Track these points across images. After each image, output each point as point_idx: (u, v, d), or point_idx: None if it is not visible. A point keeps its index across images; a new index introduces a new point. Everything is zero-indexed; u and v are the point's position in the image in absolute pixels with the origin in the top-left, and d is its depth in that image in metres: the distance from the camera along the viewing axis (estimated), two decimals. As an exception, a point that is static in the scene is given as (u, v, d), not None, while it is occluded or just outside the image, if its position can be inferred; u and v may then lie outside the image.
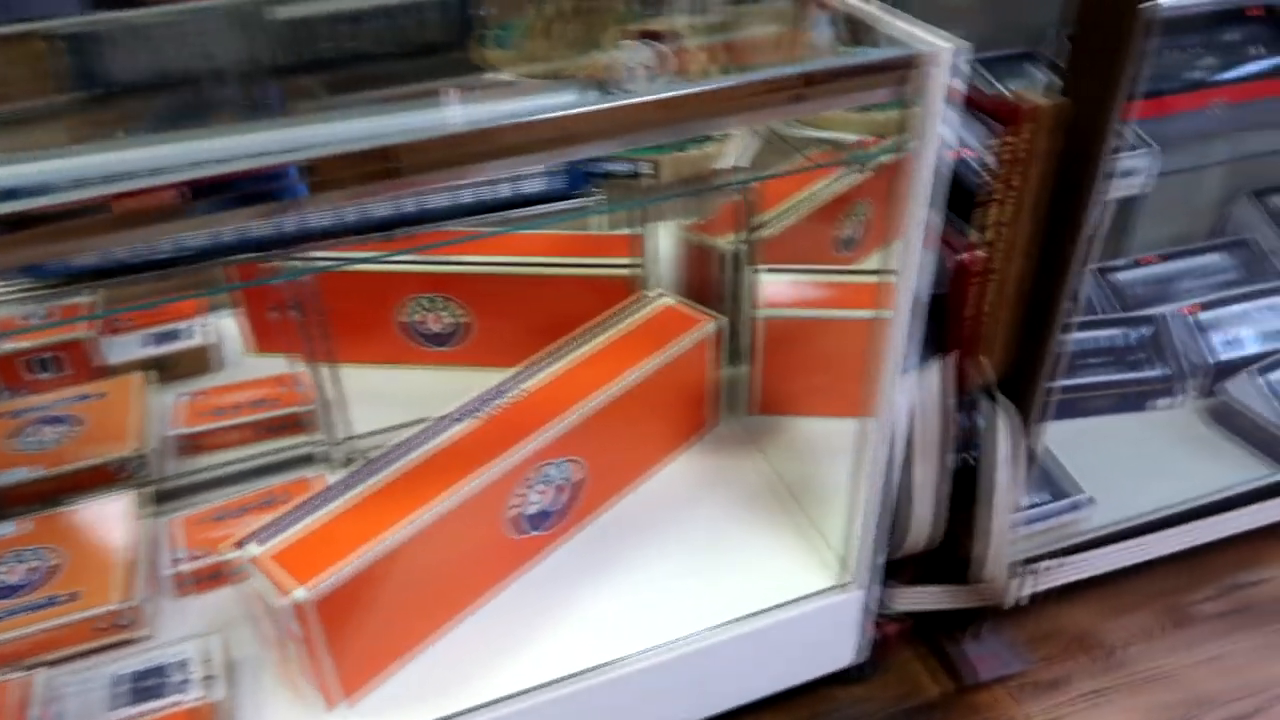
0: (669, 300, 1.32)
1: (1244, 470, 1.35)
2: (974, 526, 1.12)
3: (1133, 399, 1.44)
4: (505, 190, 0.95)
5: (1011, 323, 1.04)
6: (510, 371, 1.19)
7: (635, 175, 0.95)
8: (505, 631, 1.09)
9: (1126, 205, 1.61)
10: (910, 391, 1.05)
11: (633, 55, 0.98)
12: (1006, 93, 0.94)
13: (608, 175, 0.96)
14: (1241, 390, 1.37)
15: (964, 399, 1.06)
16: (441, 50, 1.26)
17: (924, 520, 1.12)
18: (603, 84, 0.95)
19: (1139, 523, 1.27)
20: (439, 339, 1.46)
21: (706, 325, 1.27)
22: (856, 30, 0.85)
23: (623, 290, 1.36)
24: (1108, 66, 0.86)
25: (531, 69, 1.15)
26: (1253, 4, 1.32)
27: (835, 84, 0.78)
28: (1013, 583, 1.22)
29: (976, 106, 0.93)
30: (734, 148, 1.06)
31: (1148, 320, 1.48)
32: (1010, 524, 1.14)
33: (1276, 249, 1.60)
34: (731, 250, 1.32)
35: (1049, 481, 1.26)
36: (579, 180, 0.95)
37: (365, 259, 1.36)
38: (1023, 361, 1.07)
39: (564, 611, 1.12)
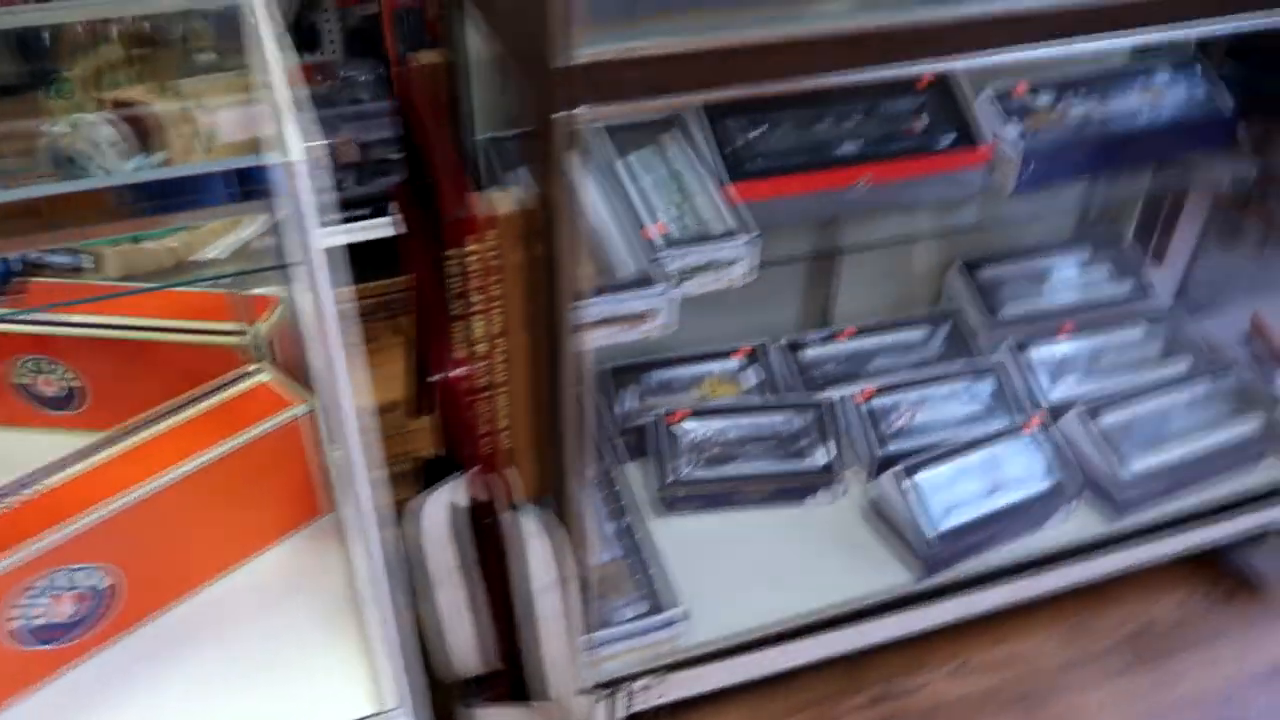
0: (266, 376, 1.20)
1: (886, 574, 1.26)
2: (522, 650, 1.02)
3: (792, 491, 1.34)
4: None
5: (537, 436, 0.93)
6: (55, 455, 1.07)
7: (77, 269, 0.83)
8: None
9: (824, 273, 1.52)
10: (420, 516, 0.94)
11: (91, 131, 0.86)
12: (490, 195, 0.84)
13: (40, 267, 0.83)
14: (888, 489, 1.28)
15: (488, 519, 0.96)
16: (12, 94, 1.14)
17: (465, 644, 1.01)
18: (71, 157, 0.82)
19: (749, 638, 1.18)
20: (56, 402, 1.33)
21: (296, 408, 1.15)
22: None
23: (226, 361, 1.23)
24: (547, 171, 0.76)
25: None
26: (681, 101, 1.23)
27: (172, 199, 0.67)
28: (597, 705, 1.11)
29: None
30: (225, 235, 0.94)
31: (814, 405, 1.38)
32: (573, 644, 1.04)
33: (981, 325, 1.52)
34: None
35: (650, 593, 1.16)
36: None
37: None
38: (558, 476, 0.96)
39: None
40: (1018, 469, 1.33)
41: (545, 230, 0.80)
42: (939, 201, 1.36)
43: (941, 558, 1.24)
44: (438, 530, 0.92)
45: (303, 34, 2.11)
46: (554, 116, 0.73)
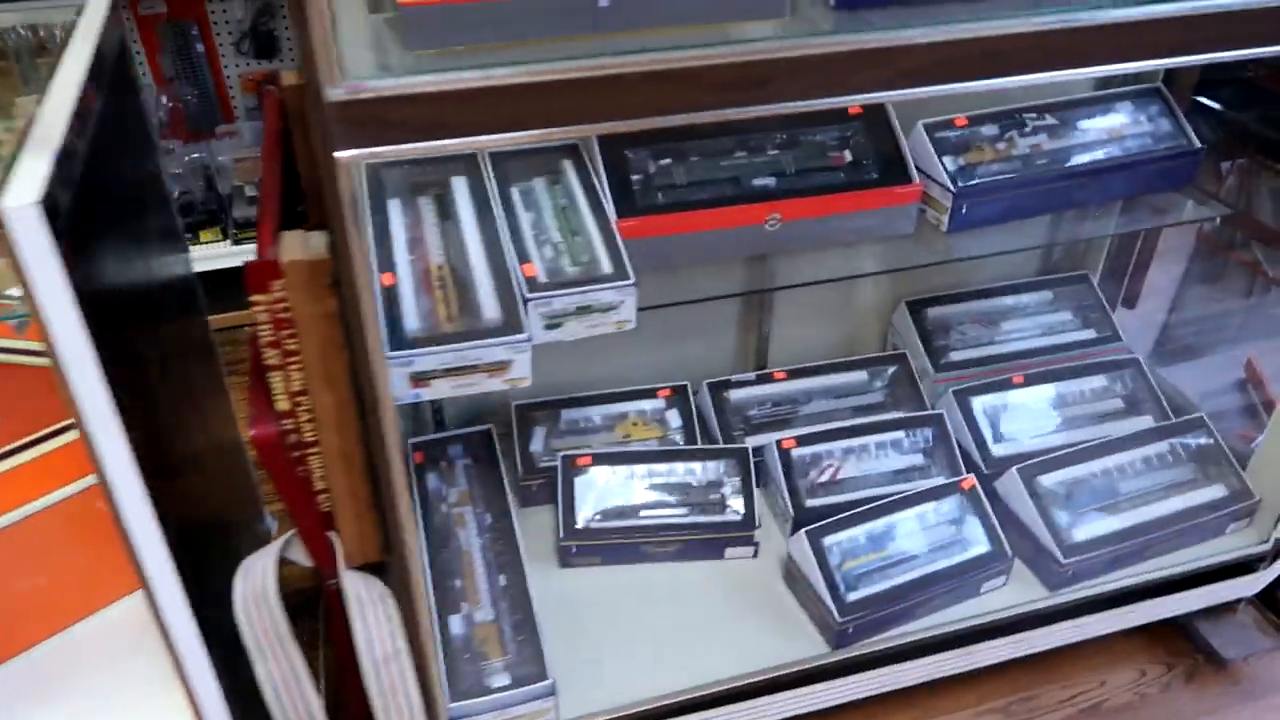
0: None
1: (799, 643, 1.16)
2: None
3: (707, 545, 1.25)
4: None
5: (355, 499, 0.85)
6: None
7: None
8: None
9: (757, 311, 1.42)
10: (243, 579, 0.86)
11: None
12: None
13: None
14: (796, 551, 1.18)
15: (330, 583, 0.88)
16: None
17: (305, 713, 0.93)
18: None
19: (631, 712, 1.09)
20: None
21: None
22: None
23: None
24: (336, 214, 0.68)
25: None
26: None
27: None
28: (457, 779, 1.03)
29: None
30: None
31: (733, 453, 1.29)
32: (426, 716, 0.96)
33: (923, 369, 1.41)
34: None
35: (521, 660, 1.07)
36: None
37: None
38: (387, 540, 0.88)
39: None
40: (947, 533, 1.22)
41: (338, 280, 0.72)
42: (868, 239, 1.26)
43: (849, 630, 1.14)
44: (256, 595, 0.85)
45: (260, 40, 2.07)
46: (335, 155, 0.65)
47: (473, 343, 0.91)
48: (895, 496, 1.23)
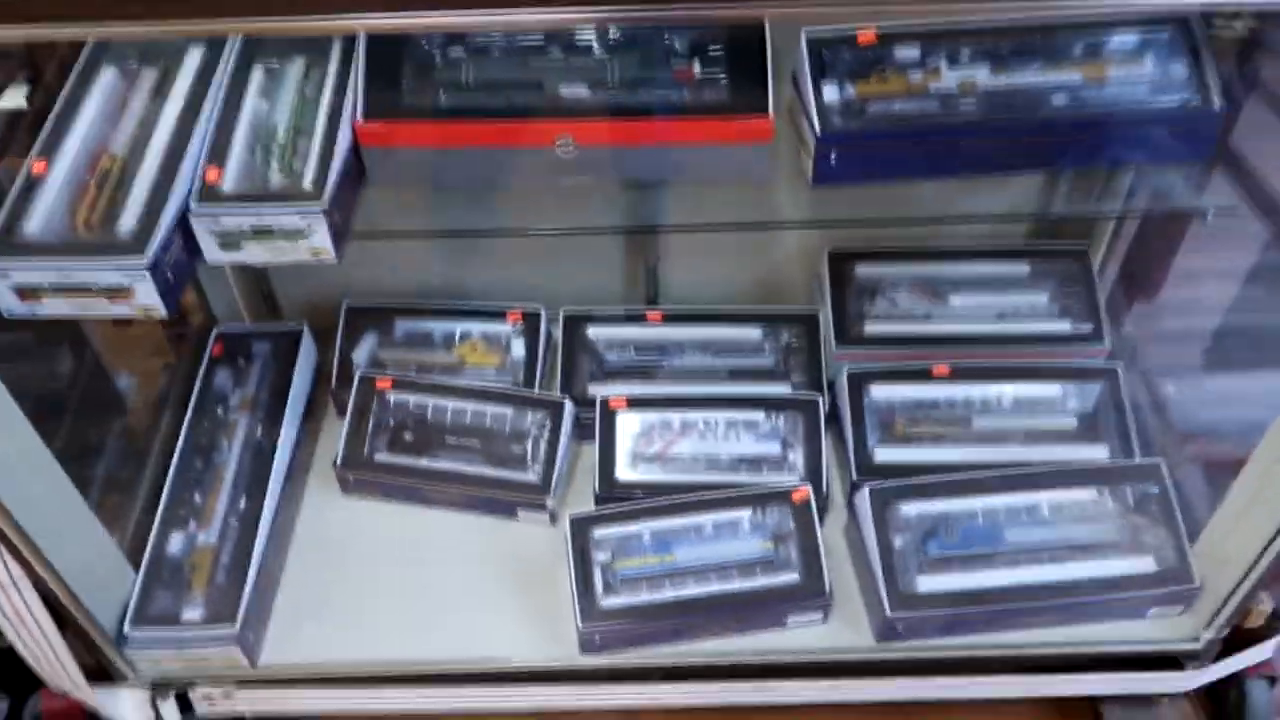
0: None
1: (548, 641, 1.01)
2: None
3: (496, 505, 1.10)
4: None
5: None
6: None
7: None
8: None
9: (642, 244, 1.19)
10: None
11: None
12: None
13: None
14: (570, 539, 1.00)
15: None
16: None
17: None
18: None
19: (339, 673, 0.98)
20: None
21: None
22: None
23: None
24: None
25: None
26: None
27: None
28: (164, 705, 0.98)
29: None
30: None
31: (548, 405, 1.10)
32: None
33: (831, 340, 1.15)
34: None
35: (227, 596, 0.98)
36: None
37: None
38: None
39: None
40: (759, 549, 1.01)
41: None
42: (706, 181, 1.00)
43: (594, 639, 0.97)
44: None
45: None
46: None
47: (78, 260, 0.77)
48: (709, 495, 1.03)
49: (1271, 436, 0.88)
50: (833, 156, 0.90)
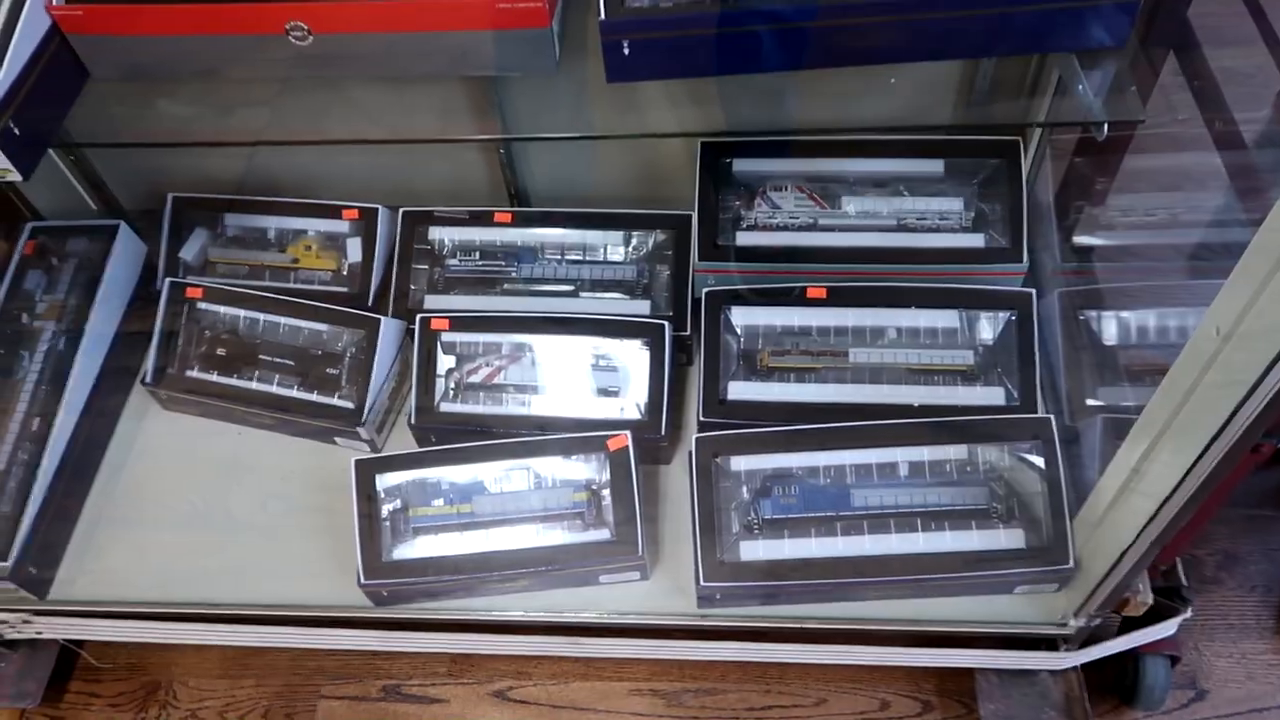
0: None
1: (336, 580, 0.93)
2: None
3: (315, 430, 1.00)
4: None
5: None
6: None
7: None
8: None
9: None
10: None
11: None
12: None
13: None
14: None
15: None
16: None
17: None
18: None
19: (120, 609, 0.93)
20: None
21: None
22: None
23: None
24: None
25: None
26: None
27: None
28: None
29: None
30: None
31: (365, 322, 0.98)
32: None
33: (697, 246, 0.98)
34: None
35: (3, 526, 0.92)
36: None
37: None
38: None
39: None
40: (569, 500, 0.89)
41: None
42: (483, 73, 0.82)
43: (384, 595, 0.88)
44: None
45: None
46: None
47: None
48: (526, 436, 0.91)
49: (1163, 392, 0.70)
50: (626, 49, 0.72)
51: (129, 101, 0.93)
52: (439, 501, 0.89)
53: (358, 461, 0.89)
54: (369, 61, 0.76)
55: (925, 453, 0.87)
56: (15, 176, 0.72)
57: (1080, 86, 0.78)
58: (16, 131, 0.71)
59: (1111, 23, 0.72)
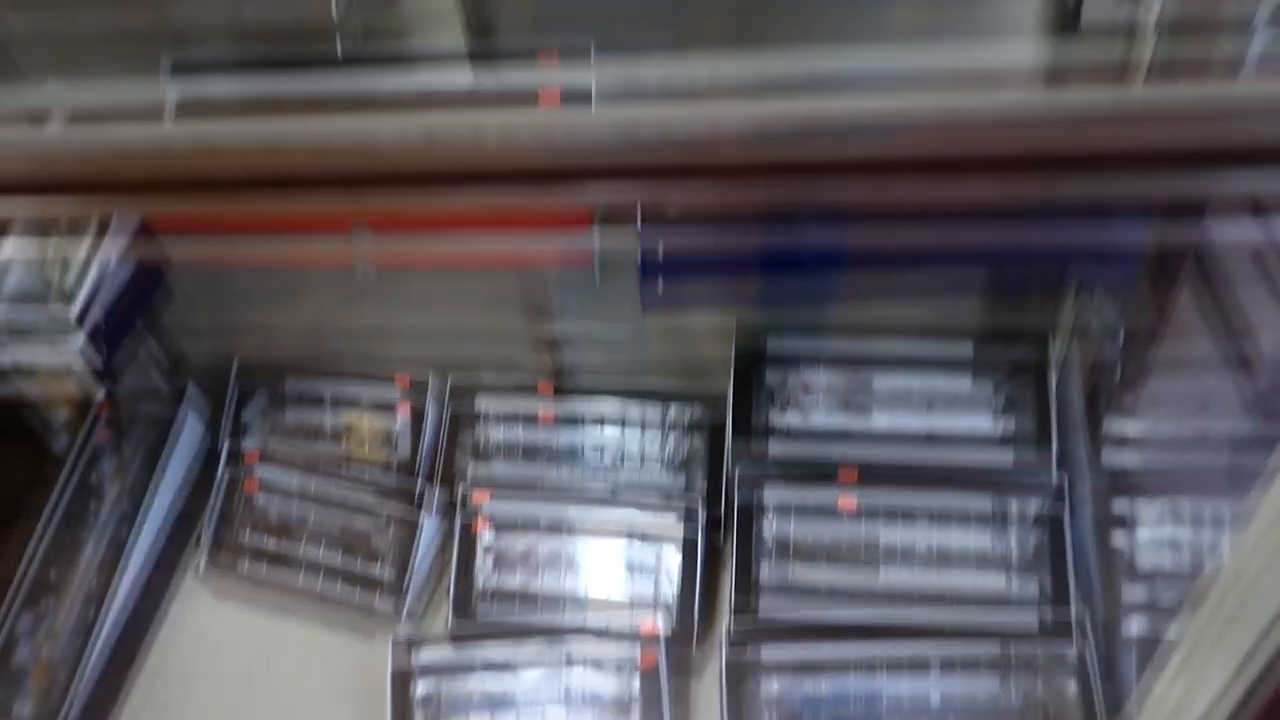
0: None
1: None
2: None
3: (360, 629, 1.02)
4: None
5: None
6: None
7: None
8: None
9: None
10: None
11: None
12: None
13: None
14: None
15: None
16: None
17: None
18: None
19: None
20: None
21: None
22: None
23: None
24: None
25: None
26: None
27: None
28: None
29: None
30: None
31: (410, 496, 1.00)
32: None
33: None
34: None
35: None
36: None
37: None
38: None
39: None
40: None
41: None
42: None
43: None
44: None
45: None
46: None
47: None
48: (549, 650, 0.92)
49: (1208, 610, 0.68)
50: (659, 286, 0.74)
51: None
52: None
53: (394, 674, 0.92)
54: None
55: (958, 685, 0.87)
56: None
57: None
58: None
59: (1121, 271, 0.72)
